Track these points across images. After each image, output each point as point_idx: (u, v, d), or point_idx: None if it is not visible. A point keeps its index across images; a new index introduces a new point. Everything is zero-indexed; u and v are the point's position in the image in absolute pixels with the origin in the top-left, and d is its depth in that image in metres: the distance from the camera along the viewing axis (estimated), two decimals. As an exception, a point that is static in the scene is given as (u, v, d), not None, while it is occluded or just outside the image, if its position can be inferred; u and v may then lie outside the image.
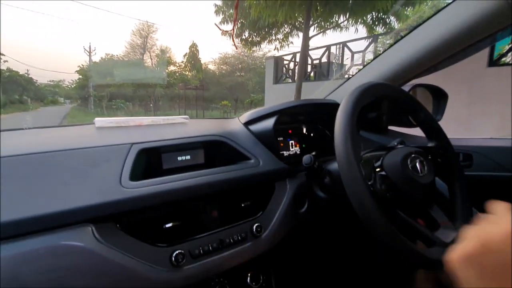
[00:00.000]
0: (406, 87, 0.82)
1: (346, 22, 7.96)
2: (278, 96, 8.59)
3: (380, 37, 7.27)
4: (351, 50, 7.28)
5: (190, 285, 0.53)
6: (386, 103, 0.87)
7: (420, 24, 0.74)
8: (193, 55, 21.74)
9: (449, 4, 0.68)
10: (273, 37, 9.57)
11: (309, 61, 8.33)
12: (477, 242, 0.31)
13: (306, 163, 0.65)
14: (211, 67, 26.85)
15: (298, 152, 0.88)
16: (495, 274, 0.29)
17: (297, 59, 8.26)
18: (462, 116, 3.71)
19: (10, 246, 0.39)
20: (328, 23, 8.36)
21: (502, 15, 0.60)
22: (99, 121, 0.72)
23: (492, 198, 0.77)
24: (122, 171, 0.53)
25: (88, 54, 20.56)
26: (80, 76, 22.58)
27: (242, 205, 0.66)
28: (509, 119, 2.41)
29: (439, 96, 0.90)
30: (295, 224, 0.70)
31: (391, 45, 0.83)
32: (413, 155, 0.55)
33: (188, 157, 0.67)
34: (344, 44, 7.32)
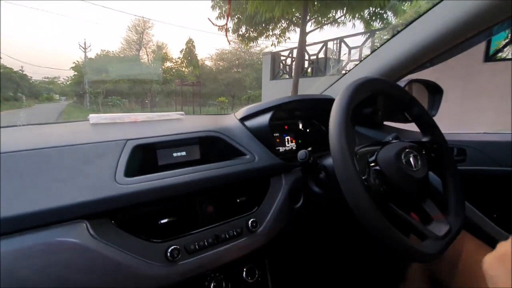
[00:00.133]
0: (402, 83, 0.82)
1: (343, 17, 7.93)
2: (275, 92, 8.56)
3: (377, 32, 7.26)
4: (348, 45, 7.27)
5: (186, 280, 0.53)
6: (382, 98, 0.87)
7: (415, 19, 0.74)
8: (189, 51, 21.55)
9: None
10: (270, 33, 9.48)
11: (306, 57, 8.31)
12: (510, 244, 0.32)
13: (301, 158, 0.66)
14: (208, 63, 26.76)
15: (294, 147, 0.88)
16: None
17: (294, 55, 8.22)
18: (457, 111, 3.74)
19: (4, 242, 0.39)
20: (325, 19, 8.31)
21: (498, 9, 0.60)
22: (94, 117, 0.71)
23: (485, 192, 0.78)
24: (117, 167, 0.52)
25: (83, 50, 20.35)
26: (76, 73, 22.35)
27: (238, 200, 0.66)
28: (504, 113, 2.43)
29: (435, 92, 0.91)
30: (291, 219, 0.71)
31: (387, 40, 0.83)
32: (407, 150, 0.55)
33: (183, 153, 0.67)
34: (341, 40, 7.30)
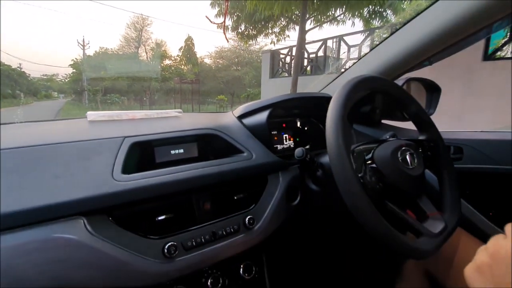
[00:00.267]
0: (400, 81, 0.82)
1: (342, 15, 7.91)
2: (274, 90, 8.54)
3: (376, 30, 7.25)
4: (347, 43, 7.25)
5: (183, 277, 0.54)
6: (380, 96, 0.87)
7: (414, 17, 0.74)
8: (188, 48, 21.45)
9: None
10: (270, 31, 9.47)
11: (306, 55, 8.29)
12: (487, 254, 0.33)
13: (298, 156, 0.66)
14: (207, 61, 26.69)
15: (292, 145, 0.88)
16: (504, 283, 0.31)
17: (294, 53, 8.21)
18: (456, 110, 3.74)
19: (1, 239, 0.39)
20: (324, 17, 8.29)
21: (496, 7, 0.60)
22: (92, 114, 0.71)
23: (481, 190, 0.79)
24: (114, 164, 0.53)
25: (82, 47, 20.22)
26: (74, 70, 22.20)
27: (235, 197, 0.66)
28: (503, 112, 2.43)
29: (433, 90, 0.91)
30: (288, 217, 0.71)
31: (386, 39, 0.83)
32: (403, 148, 0.55)
33: (181, 150, 0.67)
34: (340, 38, 7.28)
